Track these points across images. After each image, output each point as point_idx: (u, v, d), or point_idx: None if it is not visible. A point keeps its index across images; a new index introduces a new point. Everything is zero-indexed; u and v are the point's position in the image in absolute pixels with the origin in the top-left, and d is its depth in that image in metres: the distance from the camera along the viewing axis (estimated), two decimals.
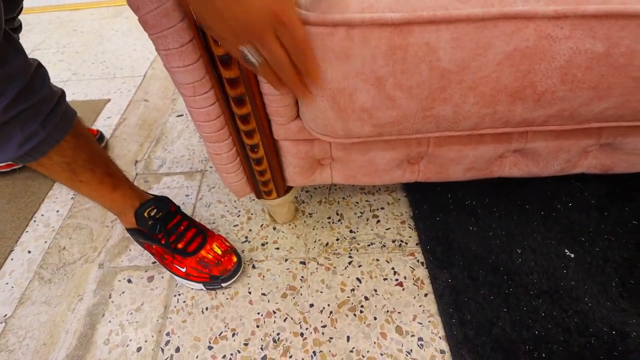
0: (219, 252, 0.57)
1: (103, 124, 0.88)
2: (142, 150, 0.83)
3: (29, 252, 0.63)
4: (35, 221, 0.67)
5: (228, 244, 0.59)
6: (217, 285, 0.57)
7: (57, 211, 0.69)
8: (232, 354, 0.51)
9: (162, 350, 0.52)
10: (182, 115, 0.92)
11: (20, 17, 0.61)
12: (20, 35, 0.62)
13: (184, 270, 0.56)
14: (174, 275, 0.58)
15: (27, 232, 0.66)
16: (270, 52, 0.27)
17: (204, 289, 0.57)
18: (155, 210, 0.54)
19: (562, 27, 0.30)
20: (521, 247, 0.60)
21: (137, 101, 0.95)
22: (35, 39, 1.26)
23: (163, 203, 0.56)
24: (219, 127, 0.42)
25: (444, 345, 0.50)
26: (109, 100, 0.94)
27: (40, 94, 0.40)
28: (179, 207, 0.59)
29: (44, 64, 0.43)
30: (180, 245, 0.56)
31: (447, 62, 0.31)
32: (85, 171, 0.46)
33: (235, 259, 0.57)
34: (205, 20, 0.27)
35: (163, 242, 0.55)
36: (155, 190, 0.75)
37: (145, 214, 0.53)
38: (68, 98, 0.47)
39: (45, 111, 0.40)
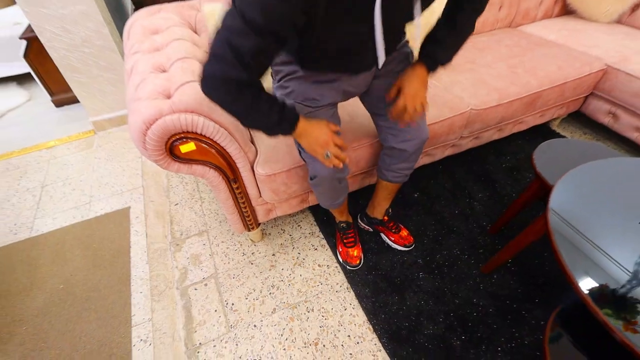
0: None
1: (136, 221, 1.49)
2: (166, 229, 1.47)
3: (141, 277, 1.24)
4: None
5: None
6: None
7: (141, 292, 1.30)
8: (256, 298, 1.22)
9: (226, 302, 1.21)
10: (177, 204, 1.59)
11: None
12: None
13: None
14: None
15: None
16: (332, 150, 0.83)
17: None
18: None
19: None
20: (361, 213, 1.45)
21: (147, 203, 1.58)
22: (37, 177, 1.75)
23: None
24: (232, 206, 1.16)
25: (337, 264, 1.30)
26: (129, 207, 1.55)
27: None
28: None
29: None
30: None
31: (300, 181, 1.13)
32: None
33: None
34: (306, 146, 0.84)
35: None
36: (185, 248, 1.40)
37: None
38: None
39: None
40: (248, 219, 1.24)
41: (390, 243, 1.33)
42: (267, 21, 0.56)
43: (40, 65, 2.05)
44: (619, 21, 1.93)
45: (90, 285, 1.26)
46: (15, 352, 1.09)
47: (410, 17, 0.72)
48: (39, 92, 2.41)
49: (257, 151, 1.15)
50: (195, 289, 1.26)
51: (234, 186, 1.11)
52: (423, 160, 1.47)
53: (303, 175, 1.13)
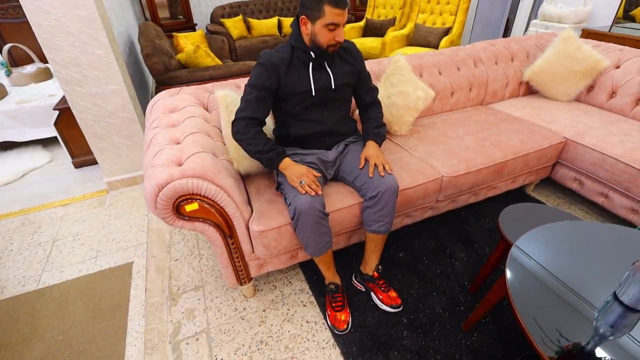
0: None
1: (137, 276, 1.58)
2: (164, 284, 1.56)
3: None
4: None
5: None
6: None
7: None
8: (244, 353, 1.27)
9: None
10: (177, 260, 1.69)
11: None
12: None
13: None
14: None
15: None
16: (306, 180, 1.19)
17: None
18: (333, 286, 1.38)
19: None
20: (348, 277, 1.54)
21: (149, 258, 1.68)
22: (50, 232, 1.88)
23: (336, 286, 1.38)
24: (227, 260, 1.27)
25: (324, 320, 1.36)
26: (132, 262, 1.65)
27: None
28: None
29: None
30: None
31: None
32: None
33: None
34: (288, 177, 1.22)
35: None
36: (180, 302, 1.48)
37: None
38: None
39: None
40: (241, 273, 1.34)
41: (379, 303, 1.40)
42: (258, 82, 1.22)
43: (67, 132, 2.31)
44: (577, 99, 2.22)
45: (88, 337, 1.32)
46: None
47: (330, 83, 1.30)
48: (61, 155, 2.65)
49: (252, 211, 1.30)
50: (187, 344, 1.31)
51: (230, 242, 1.23)
52: (404, 221, 1.61)
53: (291, 232, 1.26)
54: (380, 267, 1.44)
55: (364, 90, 1.43)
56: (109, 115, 1.95)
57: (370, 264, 1.43)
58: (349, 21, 4.89)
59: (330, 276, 1.39)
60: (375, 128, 1.42)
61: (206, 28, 4.51)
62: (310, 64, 1.25)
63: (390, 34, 3.89)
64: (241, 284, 1.39)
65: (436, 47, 3.65)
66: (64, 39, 1.66)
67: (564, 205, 1.96)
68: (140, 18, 4.46)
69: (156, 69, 2.35)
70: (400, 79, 1.73)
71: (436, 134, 1.81)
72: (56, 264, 1.66)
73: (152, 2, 4.12)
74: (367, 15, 4.68)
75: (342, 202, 1.33)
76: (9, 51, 3.33)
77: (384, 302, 1.39)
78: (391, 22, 4.37)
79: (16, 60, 3.77)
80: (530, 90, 2.33)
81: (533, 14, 3.74)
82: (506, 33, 4.37)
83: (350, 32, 4.50)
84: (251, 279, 1.41)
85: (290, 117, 1.34)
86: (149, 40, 2.38)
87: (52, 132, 2.53)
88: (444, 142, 1.71)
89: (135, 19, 4.17)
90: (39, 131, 2.60)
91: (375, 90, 1.46)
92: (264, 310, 1.42)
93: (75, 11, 1.63)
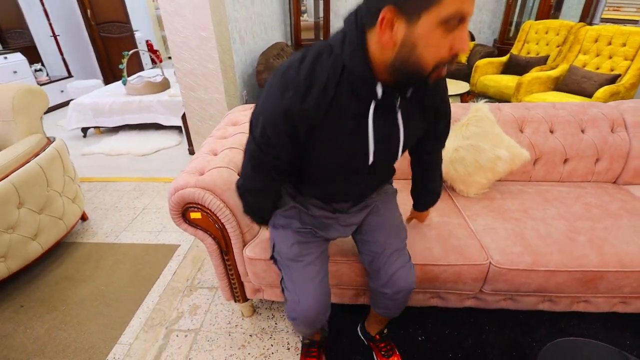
0: None
1: (175, 259, 1.80)
2: (192, 274, 1.72)
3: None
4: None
5: None
6: None
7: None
8: None
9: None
10: None
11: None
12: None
13: None
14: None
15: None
16: None
17: None
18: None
19: None
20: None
21: (192, 247, 1.89)
22: (144, 201, 2.34)
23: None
24: (222, 274, 1.31)
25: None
26: (179, 246, 1.89)
27: None
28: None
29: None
30: None
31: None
32: None
33: None
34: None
35: None
36: (193, 295, 1.60)
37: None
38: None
39: None
40: (235, 291, 1.36)
41: None
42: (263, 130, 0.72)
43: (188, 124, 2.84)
44: None
45: (117, 295, 1.57)
46: (45, 319, 1.44)
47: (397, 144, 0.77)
48: (185, 141, 3.27)
49: (257, 234, 1.30)
50: (177, 336, 1.41)
51: (225, 258, 1.26)
52: (432, 301, 1.31)
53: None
54: (385, 332, 1.25)
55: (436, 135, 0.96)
56: (210, 118, 2.30)
57: (373, 328, 1.27)
58: (489, 55, 4.37)
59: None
60: (425, 190, 1.12)
61: None
62: (371, 107, 0.67)
63: (532, 73, 3.28)
64: (235, 301, 1.40)
65: (590, 96, 2.88)
66: (187, 53, 2.05)
67: None
68: (289, 39, 5.10)
69: (262, 84, 2.64)
70: (475, 132, 1.43)
71: (515, 207, 1.41)
72: (134, 228, 2.05)
73: (297, 25, 4.66)
74: (514, 50, 4.09)
75: (341, 252, 1.19)
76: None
77: None
78: (540, 61, 3.69)
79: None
80: None
81: None
82: None
83: (486, 67, 4.01)
84: (247, 299, 1.41)
85: (304, 175, 0.89)
86: (264, 58, 2.69)
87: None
88: (517, 220, 1.32)
89: (284, 38, 4.80)
90: (177, 120, 3.28)
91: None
92: (250, 336, 1.40)
93: (198, 32, 1.98)
